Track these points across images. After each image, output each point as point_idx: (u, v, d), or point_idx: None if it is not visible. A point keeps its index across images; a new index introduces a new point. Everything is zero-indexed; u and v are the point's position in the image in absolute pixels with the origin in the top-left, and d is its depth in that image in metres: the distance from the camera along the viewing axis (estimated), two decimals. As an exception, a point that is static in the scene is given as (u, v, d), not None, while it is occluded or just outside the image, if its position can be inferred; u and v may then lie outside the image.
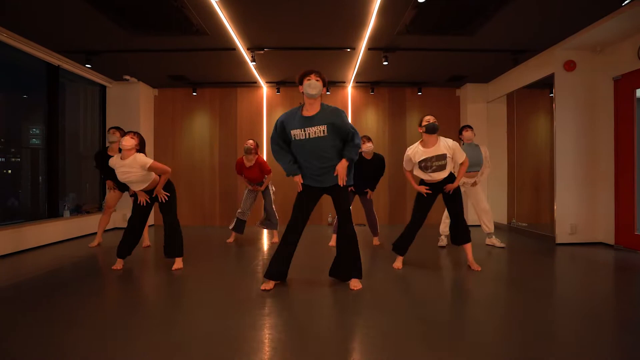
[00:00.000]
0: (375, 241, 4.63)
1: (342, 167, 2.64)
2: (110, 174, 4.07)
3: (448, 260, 3.75)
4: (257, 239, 5.17)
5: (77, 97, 5.92)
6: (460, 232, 3.34)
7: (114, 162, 3.23)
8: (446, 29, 4.18)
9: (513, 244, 4.63)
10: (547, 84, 5.25)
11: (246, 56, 4.95)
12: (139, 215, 3.39)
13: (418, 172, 3.32)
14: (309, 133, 2.60)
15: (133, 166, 3.14)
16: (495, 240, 4.39)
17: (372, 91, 6.55)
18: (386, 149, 6.64)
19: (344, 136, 2.66)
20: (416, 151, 3.25)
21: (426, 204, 3.36)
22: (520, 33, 4.26)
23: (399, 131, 6.71)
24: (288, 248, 2.80)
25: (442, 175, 3.23)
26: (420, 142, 3.27)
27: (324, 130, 2.58)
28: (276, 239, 4.82)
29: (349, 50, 4.81)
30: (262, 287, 2.75)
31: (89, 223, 5.47)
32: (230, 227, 4.76)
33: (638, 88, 4.08)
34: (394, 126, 6.72)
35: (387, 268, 3.43)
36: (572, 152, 4.60)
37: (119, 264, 3.43)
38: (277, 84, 6.44)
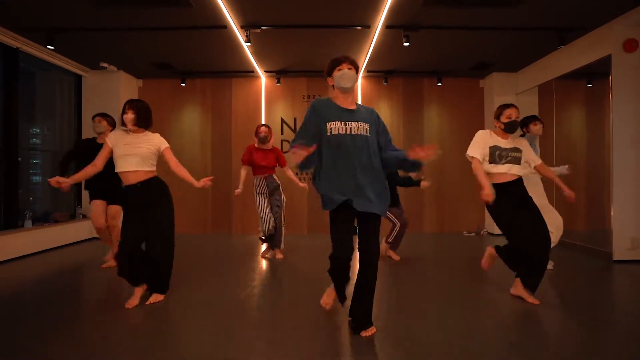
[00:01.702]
0: (394, 256, 3.88)
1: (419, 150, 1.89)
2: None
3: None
4: (256, 252, 4.38)
5: (49, 88, 5.16)
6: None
7: (117, 135, 2.53)
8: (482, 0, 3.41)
9: (560, 260, 3.84)
10: (584, 73, 4.50)
11: (239, 36, 4.17)
12: (135, 237, 2.49)
13: (487, 167, 2.58)
14: (351, 128, 1.98)
15: (148, 141, 2.55)
16: None
17: (386, 82, 5.76)
18: (401, 147, 5.82)
19: (382, 144, 2.09)
20: (490, 136, 2.61)
21: (512, 212, 2.53)
22: (570, 6, 3.49)
23: (416, 128, 5.92)
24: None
25: (517, 169, 2.54)
26: (493, 131, 2.66)
27: (367, 129, 2.02)
28: (280, 255, 4.00)
29: (360, 28, 4.03)
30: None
31: (59, 234, 4.69)
32: (264, 254, 4.05)
33: None
34: (409, 122, 5.92)
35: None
36: (633, 150, 3.81)
37: (135, 298, 2.54)
38: (277, 74, 5.65)
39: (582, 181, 5.34)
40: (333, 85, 2.08)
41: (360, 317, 2.02)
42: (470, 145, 2.61)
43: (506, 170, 2.54)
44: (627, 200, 3.81)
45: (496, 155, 2.54)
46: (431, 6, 3.54)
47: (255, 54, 4.82)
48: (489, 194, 2.38)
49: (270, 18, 3.84)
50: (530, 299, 2.51)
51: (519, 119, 2.62)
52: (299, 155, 1.81)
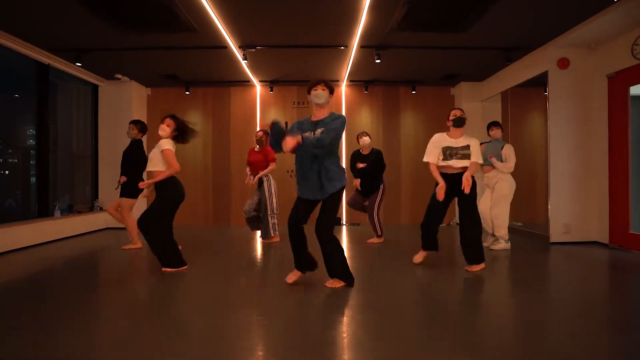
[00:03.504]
0: (375, 239, 4.62)
1: (290, 141, 2.57)
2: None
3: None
4: (251, 237, 5.12)
5: (69, 96, 5.87)
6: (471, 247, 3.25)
7: None
8: (439, 26, 4.15)
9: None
10: (541, 82, 5.21)
11: (238, 54, 4.91)
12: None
13: (440, 163, 3.29)
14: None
15: (158, 146, 3.22)
16: (503, 244, 4.19)
17: (366, 90, 6.51)
18: (380, 148, 6.57)
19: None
20: (443, 138, 3.29)
21: (441, 204, 3.31)
22: (513, 30, 4.23)
23: (393, 130, 6.66)
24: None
25: (464, 163, 3.21)
26: (447, 133, 3.34)
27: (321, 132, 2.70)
28: (277, 238, 4.65)
29: (342, 48, 4.77)
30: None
31: (80, 223, 5.42)
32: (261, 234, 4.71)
33: (632, 85, 4.04)
34: (388, 125, 6.67)
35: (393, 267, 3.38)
36: (566, 151, 4.56)
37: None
38: (271, 83, 6.40)
39: (533, 178, 6.06)
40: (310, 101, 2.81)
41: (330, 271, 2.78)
42: (426, 152, 3.33)
43: (454, 166, 3.22)
44: (561, 192, 4.55)
45: (447, 154, 3.24)
46: (397, 31, 4.27)
47: (251, 67, 5.55)
48: (442, 186, 3.15)
49: (264, 40, 4.55)
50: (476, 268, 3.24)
51: (464, 117, 3.28)
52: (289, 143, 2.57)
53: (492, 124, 4.28)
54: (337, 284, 2.76)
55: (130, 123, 4.26)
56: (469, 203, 3.22)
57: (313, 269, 2.85)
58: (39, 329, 2.03)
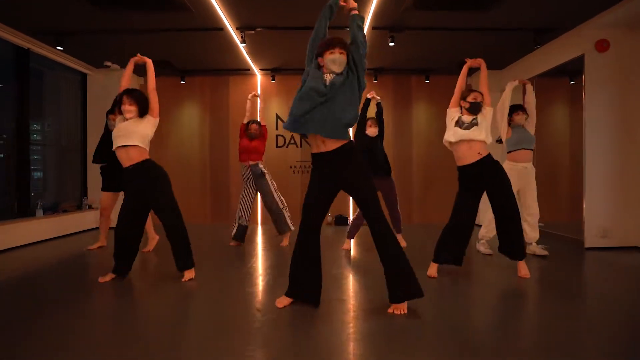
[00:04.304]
0: (401, 241, 4.05)
1: None
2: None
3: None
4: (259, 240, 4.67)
5: (56, 86, 5.44)
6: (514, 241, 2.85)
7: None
8: (460, 4, 3.65)
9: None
10: (566, 71, 4.72)
11: (235, 37, 4.44)
12: (129, 220, 2.72)
13: (448, 135, 2.89)
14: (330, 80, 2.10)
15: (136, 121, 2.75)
16: (535, 248, 3.74)
17: (376, 79, 6.01)
18: (390, 142, 6.10)
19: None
20: (457, 114, 2.92)
21: (470, 204, 2.86)
22: (545, 8, 3.72)
23: (405, 123, 6.17)
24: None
25: (477, 134, 2.75)
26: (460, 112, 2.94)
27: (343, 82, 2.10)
28: (286, 242, 4.17)
29: (349, 29, 4.28)
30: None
31: (67, 223, 5.00)
32: (232, 235, 4.18)
33: (684, 70, 3.53)
34: (398, 118, 6.18)
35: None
36: (604, 145, 4.05)
37: (107, 277, 2.81)
38: (272, 72, 5.92)
39: (564, 175, 5.59)
40: (323, 66, 2.10)
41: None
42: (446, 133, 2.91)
43: (467, 136, 2.75)
44: (598, 192, 4.05)
45: (460, 122, 2.84)
46: (413, 10, 3.79)
47: (251, 53, 5.08)
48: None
49: (264, 20, 4.09)
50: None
51: (482, 102, 2.85)
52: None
53: (516, 108, 3.66)
54: (404, 308, 2.11)
55: (108, 114, 3.82)
56: (506, 190, 2.78)
57: (317, 303, 2.22)
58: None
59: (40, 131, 5.24)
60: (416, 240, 4.63)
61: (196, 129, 6.20)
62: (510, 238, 2.84)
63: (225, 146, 6.16)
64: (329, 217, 6.09)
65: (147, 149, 2.79)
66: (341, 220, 5.92)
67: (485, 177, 2.80)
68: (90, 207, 5.51)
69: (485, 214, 3.65)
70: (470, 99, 2.85)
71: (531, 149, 3.62)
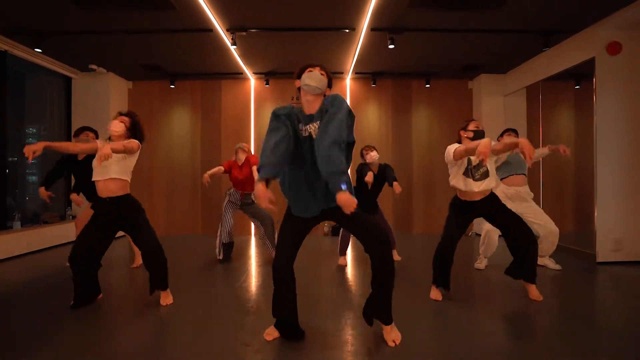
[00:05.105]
0: (395, 255, 3.88)
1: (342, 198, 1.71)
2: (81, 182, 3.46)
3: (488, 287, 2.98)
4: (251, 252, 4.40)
5: (39, 90, 5.17)
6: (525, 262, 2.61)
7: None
8: (464, 4, 3.43)
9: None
10: (572, 74, 4.51)
11: (226, 39, 4.19)
12: (89, 247, 2.45)
13: (457, 181, 2.63)
14: (309, 131, 1.92)
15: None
16: (548, 261, 3.56)
17: (374, 83, 5.78)
18: (389, 150, 5.87)
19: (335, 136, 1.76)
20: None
21: (461, 223, 2.67)
22: (554, 9, 3.51)
23: (404, 128, 5.94)
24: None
25: (488, 184, 2.56)
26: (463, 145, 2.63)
27: (317, 127, 1.89)
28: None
29: (347, 31, 4.05)
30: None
31: (48, 235, 4.71)
32: (219, 257, 3.88)
33: (702, 74, 3.32)
34: (398, 123, 5.94)
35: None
36: (616, 153, 3.83)
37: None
38: (266, 75, 5.67)
39: (570, 182, 5.37)
40: (299, 88, 1.96)
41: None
42: (446, 155, 2.63)
43: (475, 188, 2.57)
44: (611, 202, 3.83)
45: (468, 169, 2.59)
46: (414, 9, 3.56)
47: (243, 56, 4.84)
48: (486, 145, 2.13)
49: (255, 21, 3.85)
50: None
51: (483, 129, 2.64)
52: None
53: (508, 130, 3.47)
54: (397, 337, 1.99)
55: (87, 131, 3.50)
56: (509, 213, 2.58)
57: (301, 337, 2.04)
58: None
59: (21, 138, 4.96)
60: (416, 252, 4.37)
61: (187, 135, 5.94)
62: (523, 259, 2.61)
63: (216, 152, 5.90)
64: (325, 228, 5.84)
65: (129, 181, 2.56)
66: (337, 230, 5.66)
67: (488, 209, 2.62)
68: (73, 217, 5.22)
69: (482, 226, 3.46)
70: (472, 127, 2.65)
71: (524, 174, 3.48)
